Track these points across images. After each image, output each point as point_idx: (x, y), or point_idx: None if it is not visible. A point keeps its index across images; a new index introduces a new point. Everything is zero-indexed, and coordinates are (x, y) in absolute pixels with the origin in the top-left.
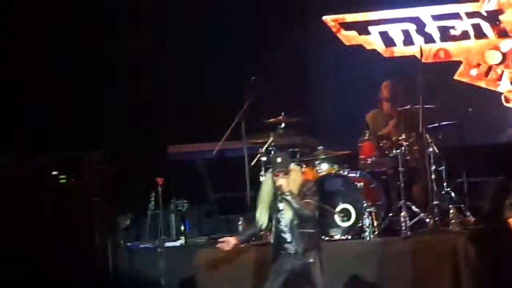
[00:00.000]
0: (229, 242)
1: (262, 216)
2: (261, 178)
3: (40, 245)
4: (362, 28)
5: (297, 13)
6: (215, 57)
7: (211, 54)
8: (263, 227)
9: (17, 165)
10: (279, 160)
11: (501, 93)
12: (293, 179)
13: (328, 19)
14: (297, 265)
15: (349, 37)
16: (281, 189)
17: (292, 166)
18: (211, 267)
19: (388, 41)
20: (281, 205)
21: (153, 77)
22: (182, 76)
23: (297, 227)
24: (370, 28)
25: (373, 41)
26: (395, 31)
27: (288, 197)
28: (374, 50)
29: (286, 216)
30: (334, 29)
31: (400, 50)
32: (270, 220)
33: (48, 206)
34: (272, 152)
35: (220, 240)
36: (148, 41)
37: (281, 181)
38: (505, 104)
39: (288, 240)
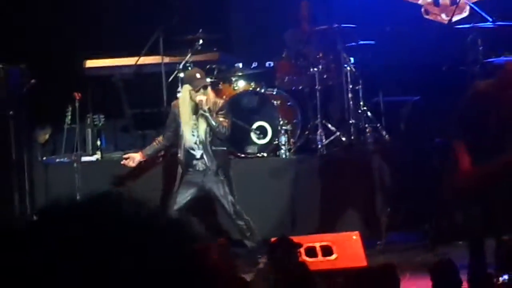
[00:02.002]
0: (134, 158)
1: (185, 129)
2: (178, 95)
3: None
4: None
5: None
6: None
7: None
8: (183, 141)
9: None
10: (198, 75)
11: (421, 6)
12: (208, 96)
13: None
14: (206, 182)
15: None
16: (201, 105)
17: (208, 82)
18: (127, 182)
19: None
20: (194, 122)
21: None
22: None
23: (210, 144)
24: None
25: None
26: None
27: (207, 114)
28: None
29: (200, 132)
30: None
31: None
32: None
33: None
34: (189, 68)
35: (125, 156)
36: None
37: (201, 97)
38: (424, 16)
39: (198, 157)
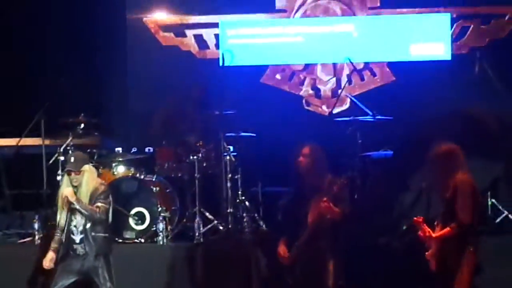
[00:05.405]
0: (49, 258)
1: (62, 217)
2: (58, 177)
3: None
4: (178, 30)
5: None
6: (18, 53)
7: (14, 50)
8: (62, 225)
9: None
10: (72, 159)
11: (303, 97)
12: (85, 180)
13: (148, 20)
14: (85, 267)
15: (166, 38)
16: (67, 200)
17: (86, 166)
18: (4, 262)
19: (202, 43)
20: (73, 207)
21: None
22: None
23: (89, 230)
24: (187, 31)
25: (188, 43)
26: (209, 35)
27: (77, 206)
28: (189, 52)
29: (78, 218)
30: (153, 30)
31: (212, 52)
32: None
33: None
34: (70, 150)
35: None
36: None
37: (66, 191)
38: (305, 107)
39: (77, 241)
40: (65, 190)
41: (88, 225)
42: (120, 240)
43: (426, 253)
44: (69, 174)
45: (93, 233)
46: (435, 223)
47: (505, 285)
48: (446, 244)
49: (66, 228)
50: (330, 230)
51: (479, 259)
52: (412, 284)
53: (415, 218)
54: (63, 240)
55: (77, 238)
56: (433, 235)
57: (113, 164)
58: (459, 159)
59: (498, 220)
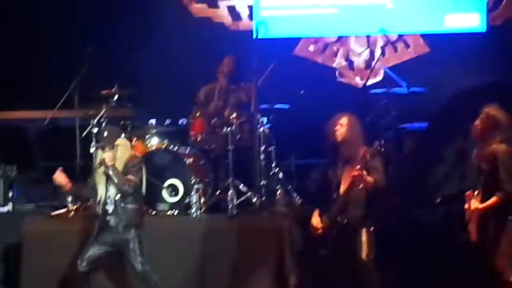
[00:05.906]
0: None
1: (99, 188)
2: (92, 150)
3: None
4: (211, 1)
5: None
6: (52, 23)
7: (47, 19)
8: (99, 197)
9: None
10: (106, 133)
11: (336, 69)
12: (119, 154)
13: None
14: (117, 239)
15: (198, 9)
16: (104, 163)
17: (120, 140)
18: (38, 234)
19: (234, 15)
20: (107, 178)
21: None
22: (15, 43)
23: (120, 201)
24: (219, 2)
25: (221, 14)
26: (242, 6)
27: (110, 172)
28: (221, 23)
29: (111, 189)
30: (185, 1)
31: (245, 24)
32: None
33: None
34: (104, 124)
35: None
36: None
37: (105, 154)
38: (339, 78)
39: (110, 212)
40: (105, 154)
41: (118, 196)
42: (153, 212)
43: (470, 224)
44: (103, 149)
45: (123, 204)
46: (475, 193)
47: None
48: (487, 214)
49: (100, 198)
50: (363, 200)
51: None
52: (445, 257)
53: (468, 192)
54: (99, 211)
55: (110, 208)
56: (479, 206)
57: (147, 136)
58: (504, 125)
59: None
